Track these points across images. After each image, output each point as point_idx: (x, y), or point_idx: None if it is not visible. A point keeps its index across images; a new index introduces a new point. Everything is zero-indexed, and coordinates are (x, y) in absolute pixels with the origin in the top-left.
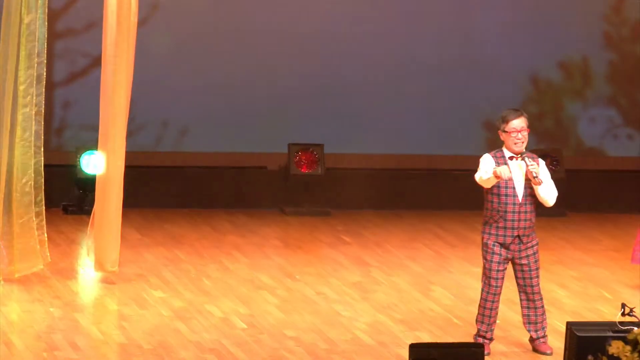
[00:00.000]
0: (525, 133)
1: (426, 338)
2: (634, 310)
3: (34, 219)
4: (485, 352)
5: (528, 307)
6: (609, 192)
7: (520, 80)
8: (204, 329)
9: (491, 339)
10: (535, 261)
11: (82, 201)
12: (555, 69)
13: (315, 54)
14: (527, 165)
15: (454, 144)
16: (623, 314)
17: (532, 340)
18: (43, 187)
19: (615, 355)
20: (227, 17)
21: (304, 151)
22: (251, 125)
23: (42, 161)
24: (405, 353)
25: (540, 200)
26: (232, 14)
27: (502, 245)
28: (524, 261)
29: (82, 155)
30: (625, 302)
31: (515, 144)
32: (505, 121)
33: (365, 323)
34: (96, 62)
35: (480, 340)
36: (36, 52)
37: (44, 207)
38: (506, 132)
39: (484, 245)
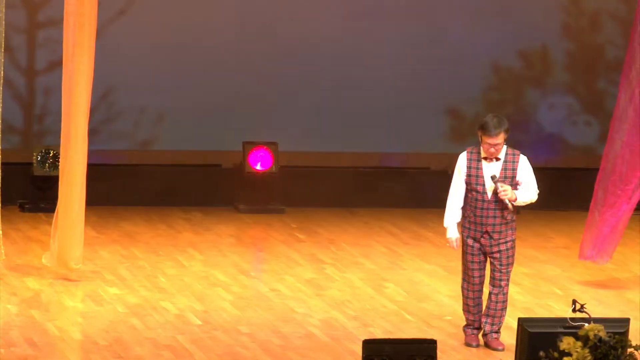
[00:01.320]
0: (499, 147)
1: (379, 334)
2: (584, 306)
3: None
4: (474, 343)
5: (489, 300)
6: (561, 188)
7: (482, 68)
8: (159, 325)
9: (479, 329)
10: (507, 257)
11: (39, 199)
12: (516, 58)
13: (271, 50)
14: (499, 192)
15: (411, 140)
16: (574, 310)
17: (484, 334)
18: None
19: (566, 351)
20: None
21: (257, 149)
22: (207, 123)
23: None
24: (358, 349)
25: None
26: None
27: (474, 238)
28: (495, 255)
29: (40, 152)
30: (576, 299)
31: (488, 153)
32: (483, 132)
33: (319, 319)
34: None
35: (469, 330)
36: None
37: None
38: (480, 138)
39: (462, 238)
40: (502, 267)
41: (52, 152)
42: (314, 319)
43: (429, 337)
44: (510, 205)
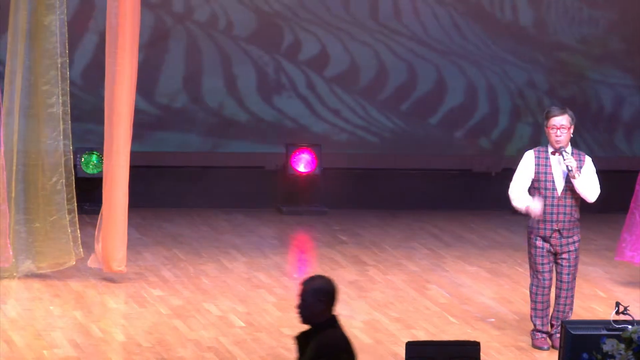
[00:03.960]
0: (565, 130)
1: (422, 336)
2: (628, 308)
3: (67, 216)
4: (545, 346)
5: (558, 303)
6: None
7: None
8: (202, 327)
9: (548, 333)
10: (575, 257)
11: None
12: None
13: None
14: (564, 160)
15: (449, 143)
16: (617, 313)
17: (549, 335)
18: (74, 185)
19: (609, 353)
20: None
21: (301, 150)
22: (249, 124)
23: (72, 159)
24: (401, 351)
25: (580, 194)
26: None
27: (543, 238)
28: (564, 256)
29: (82, 155)
30: (619, 301)
31: (555, 140)
32: (547, 117)
33: (361, 321)
34: None
35: (539, 334)
36: (58, 52)
37: (75, 204)
38: (547, 127)
39: (528, 239)
40: (571, 268)
41: (95, 153)
42: (356, 321)
43: (472, 339)
44: (573, 173)
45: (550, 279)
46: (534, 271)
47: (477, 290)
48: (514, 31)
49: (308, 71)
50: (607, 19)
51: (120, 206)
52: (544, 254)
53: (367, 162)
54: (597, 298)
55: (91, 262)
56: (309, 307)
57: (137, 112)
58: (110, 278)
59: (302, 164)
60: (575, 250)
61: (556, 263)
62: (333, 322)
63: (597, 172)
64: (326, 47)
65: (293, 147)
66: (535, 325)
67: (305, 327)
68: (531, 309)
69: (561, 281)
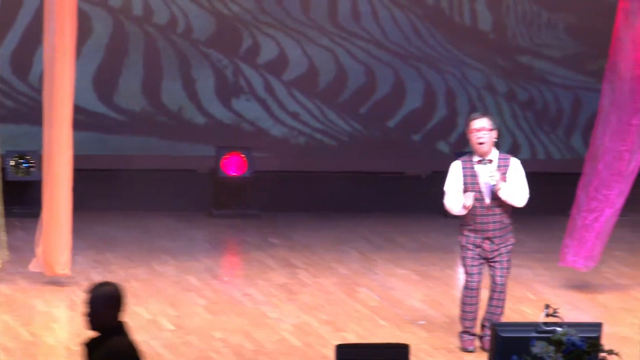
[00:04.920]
0: (486, 133)
1: (352, 339)
2: (557, 311)
3: None
4: (471, 347)
5: (491, 305)
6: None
7: None
8: (132, 330)
9: (476, 335)
10: (508, 261)
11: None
12: None
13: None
14: (488, 175)
15: (385, 147)
16: (547, 315)
17: (480, 337)
18: (1, 190)
19: (539, 355)
20: None
21: (232, 154)
22: (182, 128)
23: (0, 163)
24: (331, 354)
25: (507, 202)
26: None
27: (474, 245)
28: (496, 259)
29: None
30: (549, 303)
31: (477, 143)
32: (468, 123)
33: (291, 324)
34: None
35: (466, 336)
36: None
37: (2, 208)
38: (469, 132)
39: (460, 245)
40: (504, 271)
41: (26, 157)
42: (286, 324)
43: (401, 341)
44: (497, 187)
45: (480, 282)
46: (464, 273)
47: (407, 293)
48: (472, 35)
49: (267, 75)
50: (566, 22)
51: (63, 209)
52: (475, 257)
53: (299, 165)
54: (527, 300)
55: (32, 266)
56: (97, 313)
57: (97, 115)
58: (40, 281)
59: (233, 167)
60: (508, 253)
61: (489, 266)
62: (121, 329)
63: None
64: (285, 50)
65: (223, 150)
66: (463, 326)
67: (93, 334)
68: (460, 310)
69: (495, 283)
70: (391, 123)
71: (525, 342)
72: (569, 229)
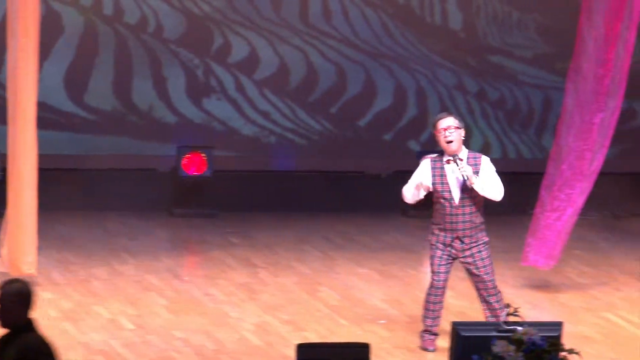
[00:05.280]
0: (453, 131)
1: (313, 338)
2: (518, 310)
3: None
4: (431, 347)
5: (486, 302)
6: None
7: None
8: (92, 329)
9: (437, 335)
10: (482, 259)
11: None
12: None
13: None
14: (458, 168)
15: (347, 146)
16: (507, 314)
17: None
18: None
19: (499, 354)
20: None
21: (192, 153)
22: (141, 127)
23: None
24: (292, 353)
25: (485, 197)
26: None
27: (445, 243)
28: (468, 259)
29: None
30: (509, 302)
31: (445, 141)
32: (435, 123)
33: (252, 324)
34: None
35: (427, 335)
36: None
37: None
38: (436, 133)
39: (430, 244)
40: (480, 269)
41: None
42: (247, 323)
43: (362, 341)
44: (470, 182)
45: (445, 281)
46: (431, 272)
47: (368, 292)
48: (443, 34)
49: (238, 74)
50: (537, 22)
51: (29, 209)
52: (443, 256)
53: (261, 164)
54: None
55: None
56: (8, 310)
57: (67, 115)
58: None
59: (193, 166)
60: (480, 252)
61: (465, 269)
62: (31, 326)
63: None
64: (256, 49)
65: (184, 150)
66: (425, 325)
67: (4, 331)
68: (423, 309)
69: (483, 282)
70: (362, 122)
71: (486, 342)
72: (531, 229)
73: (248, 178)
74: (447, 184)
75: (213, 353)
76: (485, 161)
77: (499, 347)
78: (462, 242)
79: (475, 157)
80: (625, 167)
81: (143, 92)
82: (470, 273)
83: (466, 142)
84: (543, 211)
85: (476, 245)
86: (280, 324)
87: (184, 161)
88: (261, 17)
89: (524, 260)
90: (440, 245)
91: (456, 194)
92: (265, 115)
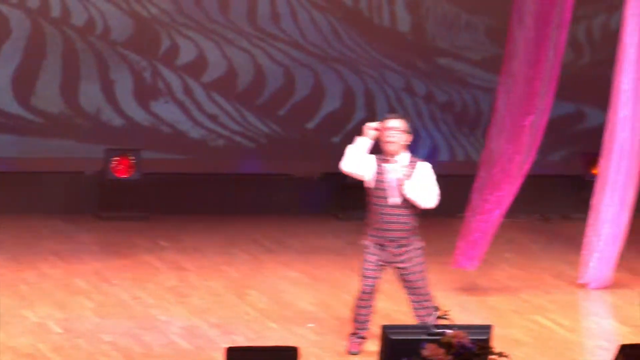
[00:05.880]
0: (396, 132)
1: (242, 342)
2: (448, 313)
3: None
4: (355, 350)
5: (418, 309)
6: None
7: None
8: (20, 333)
9: (365, 338)
10: (415, 265)
11: None
12: None
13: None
14: (390, 171)
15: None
16: (437, 317)
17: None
18: None
19: (429, 358)
20: None
21: (120, 156)
22: (69, 130)
23: None
24: (221, 357)
25: (414, 203)
26: None
27: (379, 246)
28: (401, 265)
29: None
30: (439, 305)
31: (387, 142)
32: (382, 121)
33: (180, 327)
34: None
35: (354, 338)
36: None
37: None
38: (381, 130)
39: (364, 246)
40: (413, 275)
41: None
42: (176, 327)
43: (291, 344)
44: (402, 188)
45: (375, 286)
46: (362, 275)
47: (297, 296)
48: (391, 36)
49: (185, 76)
50: (486, 24)
51: None
52: (375, 261)
53: (190, 167)
54: None
55: None
56: None
57: (14, 117)
58: None
59: (122, 169)
60: (415, 257)
61: (397, 273)
62: None
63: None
64: (203, 52)
65: (112, 152)
66: (354, 327)
67: None
68: (354, 312)
69: (415, 287)
70: (310, 125)
71: (415, 345)
72: (462, 232)
73: (179, 181)
74: (385, 182)
75: (141, 356)
76: (424, 167)
77: (428, 350)
78: (397, 244)
79: (414, 162)
80: (566, 170)
81: (90, 95)
82: (402, 279)
83: (415, 145)
84: (474, 214)
85: (411, 251)
86: (209, 327)
87: (112, 164)
88: (209, 20)
89: (454, 263)
90: (374, 249)
91: (393, 195)
92: (212, 118)
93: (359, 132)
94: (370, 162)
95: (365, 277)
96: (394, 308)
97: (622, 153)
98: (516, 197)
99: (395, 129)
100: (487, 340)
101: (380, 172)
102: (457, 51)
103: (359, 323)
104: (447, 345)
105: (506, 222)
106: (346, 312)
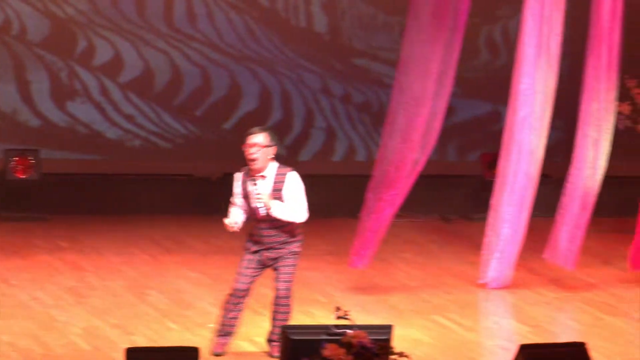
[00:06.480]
0: (259, 149)
1: (142, 342)
2: (348, 313)
3: None
4: (219, 351)
5: (275, 311)
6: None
7: None
8: None
9: (229, 335)
10: (286, 273)
11: None
12: None
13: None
14: (256, 194)
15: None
16: (337, 317)
17: (268, 340)
18: None
19: (329, 358)
20: None
21: (19, 156)
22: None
23: None
24: (121, 357)
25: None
26: None
27: (256, 248)
28: (275, 266)
29: None
30: (339, 306)
31: (248, 159)
32: (245, 136)
33: (80, 328)
34: None
35: (220, 338)
36: None
37: None
38: (244, 147)
39: (244, 247)
40: (280, 277)
41: None
42: (75, 327)
43: (191, 345)
44: (264, 212)
45: (249, 284)
46: (236, 273)
47: (197, 296)
48: (308, 37)
49: (102, 77)
50: (402, 25)
51: None
52: (250, 265)
53: (90, 167)
54: (317, 303)
55: None
56: None
57: None
58: None
59: (20, 169)
60: (285, 260)
61: (274, 274)
62: None
63: None
64: (120, 52)
65: (12, 153)
66: (221, 326)
67: None
68: (221, 313)
69: (277, 289)
70: (227, 125)
71: (316, 345)
72: (358, 231)
73: (79, 181)
74: (253, 200)
75: (41, 357)
76: (292, 179)
77: (328, 350)
78: (271, 249)
79: (282, 174)
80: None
81: (6, 96)
82: (275, 280)
83: (331, 145)
84: (369, 213)
85: (285, 255)
86: (109, 328)
87: (12, 164)
88: (125, 20)
89: (351, 263)
90: (249, 255)
91: (261, 211)
92: (129, 118)
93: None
94: (236, 184)
95: (240, 274)
96: (298, 308)
97: (520, 153)
98: (416, 197)
99: (257, 145)
100: (387, 340)
101: (246, 188)
102: (374, 52)
103: (226, 326)
104: (348, 345)
105: (406, 222)
106: (246, 313)
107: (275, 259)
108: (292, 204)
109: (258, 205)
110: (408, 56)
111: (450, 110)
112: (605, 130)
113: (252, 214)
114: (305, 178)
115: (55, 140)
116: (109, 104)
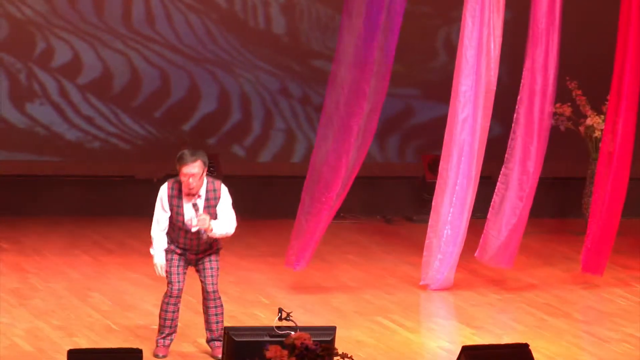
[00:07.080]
0: (196, 178)
1: (84, 344)
2: (290, 314)
3: None
4: (162, 354)
5: (207, 314)
6: (262, 196)
7: None
8: None
9: (169, 335)
10: (211, 268)
11: None
12: None
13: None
14: (197, 217)
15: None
16: (280, 319)
17: (207, 341)
18: None
19: (272, 359)
20: None
21: None
22: None
23: None
24: (63, 359)
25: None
26: None
27: (179, 254)
28: (200, 266)
29: None
30: (282, 307)
31: (188, 188)
32: (179, 163)
33: (23, 329)
34: None
35: (162, 341)
36: None
37: None
38: (180, 172)
39: (166, 250)
40: (207, 279)
41: None
42: (17, 329)
43: (134, 346)
44: (205, 236)
45: (180, 290)
46: (168, 281)
47: (140, 297)
48: (266, 39)
49: (60, 78)
50: None
51: None
52: (181, 263)
53: (29, 168)
54: (260, 304)
55: None
56: None
57: None
58: None
59: None
60: (210, 262)
61: (198, 275)
62: None
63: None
64: (79, 54)
65: None
66: (161, 330)
67: None
68: (159, 316)
69: (207, 292)
70: (186, 127)
71: (259, 346)
72: (294, 232)
73: (20, 183)
74: (183, 215)
75: None
76: (225, 194)
77: (271, 351)
78: (198, 251)
79: (214, 190)
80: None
81: None
82: (201, 280)
83: (291, 147)
84: (305, 214)
85: (208, 256)
86: (52, 329)
87: None
88: (84, 22)
89: (287, 262)
90: (175, 256)
91: (192, 224)
92: (88, 120)
93: (234, 133)
94: (163, 198)
95: (172, 274)
96: (241, 310)
97: (461, 155)
98: (358, 198)
99: (195, 175)
100: (330, 342)
101: (178, 205)
102: (332, 53)
103: (167, 327)
104: (291, 347)
105: (347, 224)
106: (190, 314)
107: (201, 258)
108: (226, 218)
109: (198, 227)
110: (341, 57)
111: (409, 112)
112: (539, 131)
113: (175, 226)
114: (264, 179)
115: (12, 142)
116: (68, 105)
